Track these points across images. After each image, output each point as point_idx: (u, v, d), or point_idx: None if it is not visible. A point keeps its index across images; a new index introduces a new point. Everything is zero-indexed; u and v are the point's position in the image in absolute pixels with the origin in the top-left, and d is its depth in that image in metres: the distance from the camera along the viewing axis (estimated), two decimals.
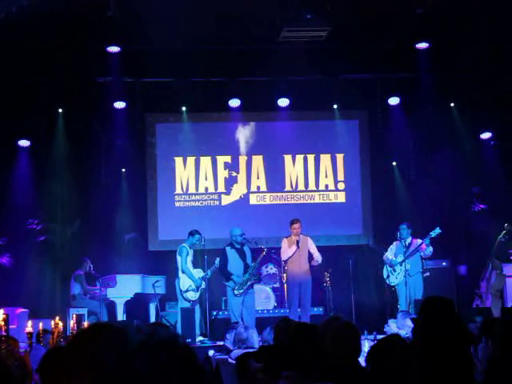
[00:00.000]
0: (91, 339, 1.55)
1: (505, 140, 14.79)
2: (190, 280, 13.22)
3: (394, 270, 13.57)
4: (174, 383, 1.42)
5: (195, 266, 13.47)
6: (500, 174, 14.14)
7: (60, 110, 14.72)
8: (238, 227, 13.18)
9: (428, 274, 13.99)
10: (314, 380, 5.11)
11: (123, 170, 15.40)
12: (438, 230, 13.21)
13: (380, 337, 7.84)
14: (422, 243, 13.32)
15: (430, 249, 13.40)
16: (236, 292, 12.89)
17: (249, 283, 12.93)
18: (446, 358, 3.55)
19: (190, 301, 13.20)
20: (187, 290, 13.22)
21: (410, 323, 9.49)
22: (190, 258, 13.36)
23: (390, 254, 13.66)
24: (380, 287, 14.22)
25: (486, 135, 15.41)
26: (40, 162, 14.73)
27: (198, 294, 13.24)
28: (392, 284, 13.63)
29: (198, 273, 13.30)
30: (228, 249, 13.08)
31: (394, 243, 13.68)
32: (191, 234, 13.38)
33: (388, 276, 13.65)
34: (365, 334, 11.60)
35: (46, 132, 14.75)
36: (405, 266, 13.30)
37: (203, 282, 13.23)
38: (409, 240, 13.52)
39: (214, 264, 13.18)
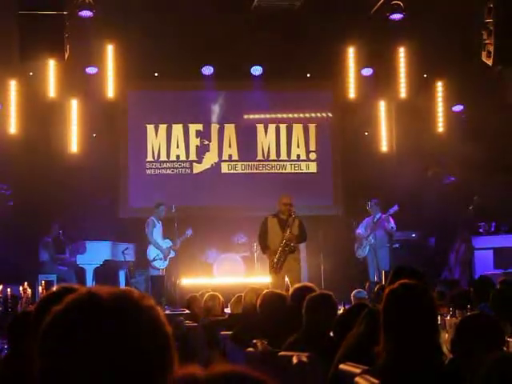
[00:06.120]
0: (58, 302, 1.53)
1: (476, 112, 14.83)
2: (157, 250, 13.59)
3: (361, 244, 14.00)
4: (143, 345, 1.42)
5: (169, 234, 13.71)
6: (470, 146, 14.17)
7: (31, 74, 14.50)
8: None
9: (397, 245, 14.18)
10: (282, 348, 5.14)
11: (94, 135, 15.29)
12: (395, 208, 13.73)
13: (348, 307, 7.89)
14: (382, 219, 13.64)
15: (392, 224, 13.78)
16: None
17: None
18: (410, 327, 3.59)
19: (158, 269, 13.62)
20: (154, 259, 13.61)
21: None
22: (158, 230, 13.67)
23: (359, 229, 14.17)
24: (349, 258, 14.32)
25: (457, 108, 15.50)
26: (9, 127, 14.55)
27: (166, 263, 13.51)
28: (359, 256, 14.20)
29: (166, 243, 13.61)
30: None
31: (366, 219, 14.01)
32: (156, 206, 13.62)
33: (357, 249, 14.16)
34: None
35: (16, 96, 14.56)
36: (369, 241, 13.94)
37: (172, 251, 13.50)
38: (378, 216, 13.85)
39: (184, 234, 13.49)
